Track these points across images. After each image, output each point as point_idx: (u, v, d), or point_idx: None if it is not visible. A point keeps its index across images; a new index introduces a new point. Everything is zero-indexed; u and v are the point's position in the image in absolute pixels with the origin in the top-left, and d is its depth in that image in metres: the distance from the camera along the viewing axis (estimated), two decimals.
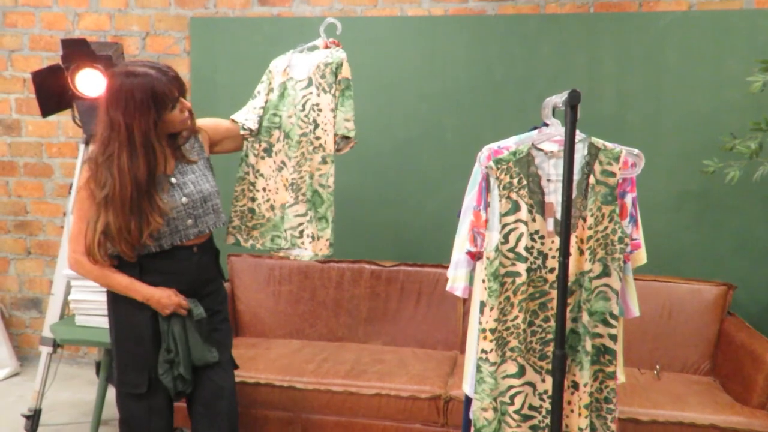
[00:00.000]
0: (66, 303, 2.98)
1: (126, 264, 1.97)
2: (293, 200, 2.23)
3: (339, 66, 2.19)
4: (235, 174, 2.31)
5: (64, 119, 3.62)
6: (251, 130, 2.23)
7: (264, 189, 2.27)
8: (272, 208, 2.27)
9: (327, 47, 2.25)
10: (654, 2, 3.08)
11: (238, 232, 2.31)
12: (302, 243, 2.24)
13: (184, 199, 1.97)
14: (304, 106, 2.20)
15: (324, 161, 2.19)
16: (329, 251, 2.24)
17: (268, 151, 2.25)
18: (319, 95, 2.19)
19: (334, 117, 2.19)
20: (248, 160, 2.28)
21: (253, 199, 2.28)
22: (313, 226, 2.22)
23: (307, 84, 2.21)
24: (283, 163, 2.25)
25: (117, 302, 2.03)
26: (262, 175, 2.27)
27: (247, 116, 2.24)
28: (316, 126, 2.18)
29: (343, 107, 2.19)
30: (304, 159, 2.20)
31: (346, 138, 2.21)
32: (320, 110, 2.18)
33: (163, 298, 1.95)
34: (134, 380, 2.01)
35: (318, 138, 2.18)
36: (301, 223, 2.24)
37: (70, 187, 3.09)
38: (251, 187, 2.28)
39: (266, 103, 2.25)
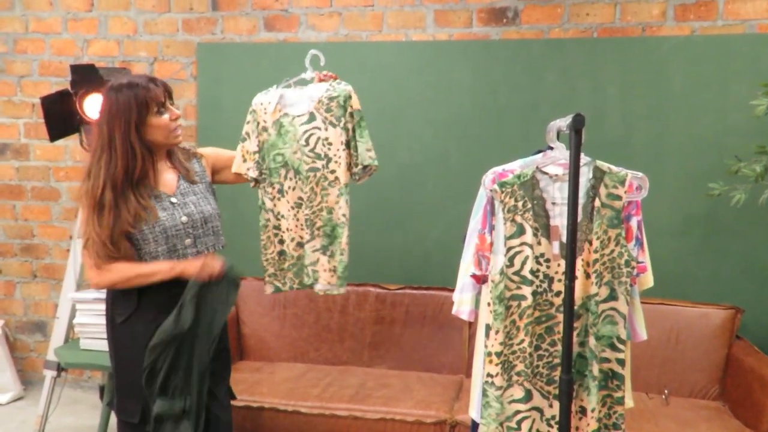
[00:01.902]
0: (71, 326, 2.99)
1: (124, 292, 1.98)
2: (309, 236, 2.22)
3: (347, 99, 2.17)
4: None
5: (71, 144, 3.66)
6: (255, 179, 2.22)
7: (288, 229, 2.25)
8: (300, 245, 2.25)
9: (321, 80, 2.23)
10: (657, 27, 3.10)
11: (275, 279, 2.28)
12: (321, 278, 2.23)
13: (183, 218, 1.98)
14: (308, 141, 2.17)
15: (340, 194, 2.17)
16: (339, 283, 2.22)
17: (282, 191, 2.22)
18: (327, 129, 2.16)
19: (347, 149, 2.17)
20: (266, 206, 2.25)
21: (282, 241, 2.26)
22: (332, 260, 2.21)
23: (309, 119, 2.18)
24: (300, 198, 2.22)
25: (116, 330, 2.03)
26: (283, 216, 2.24)
27: (248, 165, 2.22)
28: (329, 160, 2.16)
29: (363, 138, 2.18)
30: (315, 194, 2.19)
31: (365, 167, 2.19)
32: (330, 144, 2.16)
33: (205, 262, 1.93)
34: (129, 408, 2.01)
35: (333, 172, 2.17)
36: (318, 259, 2.22)
37: (77, 211, 3.11)
38: (277, 231, 2.25)
39: (262, 144, 2.21)
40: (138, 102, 1.90)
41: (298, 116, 2.19)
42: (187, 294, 1.91)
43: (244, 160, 2.21)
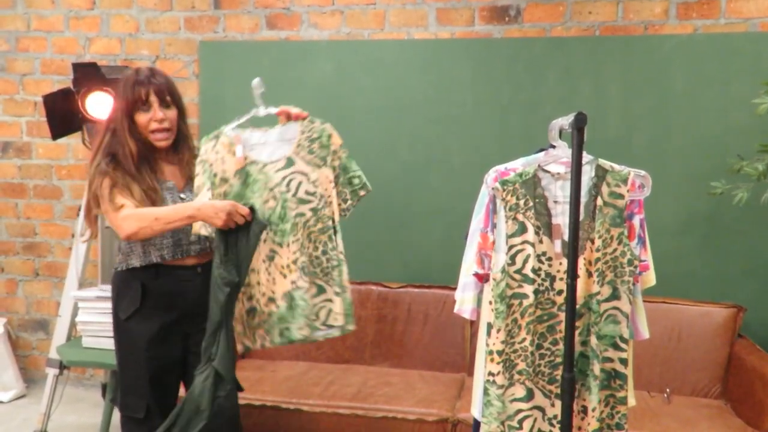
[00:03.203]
0: (73, 325, 2.99)
1: (128, 285, 2.01)
2: (307, 284, 2.04)
3: (329, 138, 2.08)
4: None
5: (74, 142, 3.66)
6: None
7: (258, 283, 2.05)
8: (272, 300, 2.04)
9: (289, 118, 2.09)
10: (659, 25, 3.10)
11: (245, 336, 2.06)
12: (335, 320, 2.06)
13: None
14: (288, 186, 2.04)
15: (336, 231, 2.07)
16: (348, 320, 2.07)
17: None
18: (313, 171, 2.06)
19: (336, 186, 2.09)
20: None
21: (251, 297, 2.05)
22: (340, 301, 2.06)
23: (287, 164, 2.05)
24: (273, 251, 2.04)
25: (120, 326, 2.05)
26: (253, 270, 2.03)
27: (200, 224, 1.99)
28: (321, 200, 2.05)
29: (355, 168, 2.12)
30: (309, 240, 2.04)
31: (359, 196, 2.14)
32: (320, 184, 2.06)
33: (217, 203, 1.86)
34: (133, 404, 2.02)
35: (326, 211, 2.07)
36: (323, 306, 2.05)
37: (79, 209, 3.12)
38: (245, 288, 2.03)
39: (222, 197, 2.01)
40: (127, 95, 1.96)
41: (271, 163, 2.04)
42: (216, 246, 1.89)
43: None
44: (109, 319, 2.79)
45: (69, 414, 3.44)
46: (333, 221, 2.06)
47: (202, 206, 1.86)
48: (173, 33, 3.57)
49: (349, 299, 2.08)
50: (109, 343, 2.81)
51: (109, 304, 2.88)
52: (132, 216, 1.88)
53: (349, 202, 2.12)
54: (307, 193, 2.04)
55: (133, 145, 1.96)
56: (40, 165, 3.77)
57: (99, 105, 2.93)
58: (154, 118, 1.98)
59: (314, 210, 2.04)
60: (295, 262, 2.02)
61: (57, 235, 3.80)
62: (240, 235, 1.90)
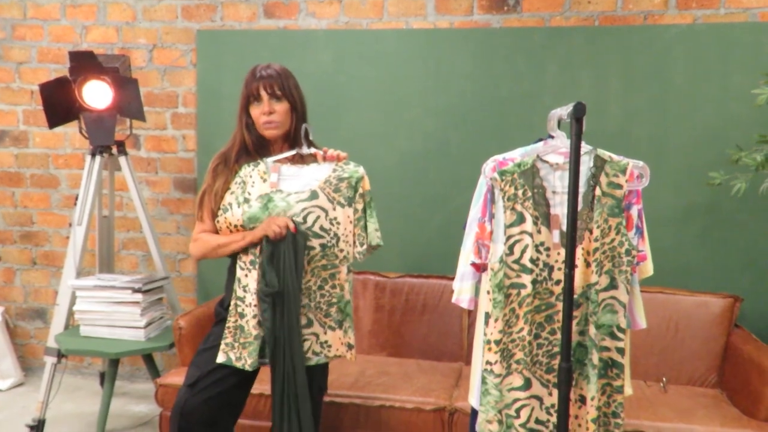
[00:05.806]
0: (71, 313, 2.99)
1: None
2: (324, 314, 2.10)
3: (359, 180, 2.13)
4: None
5: (71, 131, 3.65)
6: None
7: (251, 305, 2.03)
8: (261, 324, 2.04)
9: (326, 158, 2.15)
10: (659, 15, 3.09)
11: (231, 349, 2.05)
12: (334, 351, 2.13)
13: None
14: (305, 218, 2.06)
15: (349, 271, 2.12)
16: (352, 356, 2.15)
17: (254, 263, 2.07)
18: (335, 209, 2.09)
19: (356, 228, 2.13)
20: (237, 274, 2.10)
21: (242, 315, 2.05)
22: (346, 335, 2.13)
23: (310, 197, 2.08)
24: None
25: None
26: (249, 290, 2.05)
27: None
28: (338, 239, 2.09)
29: (372, 218, 2.15)
30: (312, 273, 2.08)
31: (372, 246, 2.16)
32: (339, 223, 2.09)
33: (270, 221, 2.00)
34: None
35: (342, 250, 2.10)
36: (307, 339, 2.09)
37: (76, 198, 3.11)
38: (240, 302, 2.06)
39: (242, 215, 2.08)
40: (243, 88, 2.12)
41: (296, 193, 2.09)
42: (263, 256, 2.00)
43: (230, 232, 2.09)
44: (106, 308, 2.82)
45: (67, 402, 3.45)
46: (348, 260, 2.11)
47: (254, 233, 2.02)
48: (170, 22, 3.55)
49: (345, 336, 2.13)
50: (107, 332, 2.83)
51: (106, 293, 2.90)
52: (200, 242, 2.12)
53: (363, 247, 2.14)
54: (322, 228, 2.08)
55: (248, 138, 2.13)
56: (37, 154, 3.76)
57: (96, 94, 2.92)
58: (263, 111, 2.09)
59: (323, 246, 2.07)
60: None
61: (54, 224, 3.79)
62: (282, 247, 2.00)
